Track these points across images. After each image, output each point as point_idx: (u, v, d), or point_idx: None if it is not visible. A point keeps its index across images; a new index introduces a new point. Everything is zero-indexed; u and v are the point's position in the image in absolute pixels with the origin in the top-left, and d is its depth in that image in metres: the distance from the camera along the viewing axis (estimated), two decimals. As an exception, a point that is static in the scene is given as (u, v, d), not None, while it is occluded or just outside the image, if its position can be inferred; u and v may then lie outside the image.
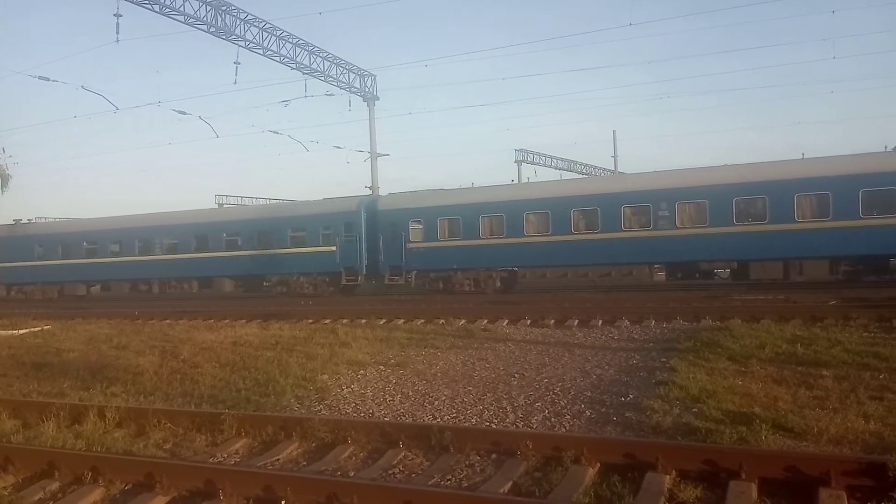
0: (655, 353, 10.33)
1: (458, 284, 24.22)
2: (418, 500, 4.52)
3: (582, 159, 56.18)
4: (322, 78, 32.54)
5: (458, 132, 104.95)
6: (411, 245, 24.85)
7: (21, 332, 15.85)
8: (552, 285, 27.89)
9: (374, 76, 35.11)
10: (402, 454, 5.81)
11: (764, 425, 5.90)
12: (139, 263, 29.39)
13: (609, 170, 51.81)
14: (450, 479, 5.27)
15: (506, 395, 7.98)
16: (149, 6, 25.25)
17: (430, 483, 5.15)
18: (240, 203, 54.84)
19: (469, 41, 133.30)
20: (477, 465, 5.54)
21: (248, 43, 28.73)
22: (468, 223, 24.03)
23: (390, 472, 5.51)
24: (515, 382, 8.66)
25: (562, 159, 53.71)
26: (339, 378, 9.31)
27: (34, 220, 35.74)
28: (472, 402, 7.75)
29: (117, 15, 24.16)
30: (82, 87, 51.14)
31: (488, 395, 8.04)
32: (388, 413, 7.47)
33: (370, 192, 33.14)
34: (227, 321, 17.03)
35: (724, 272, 22.65)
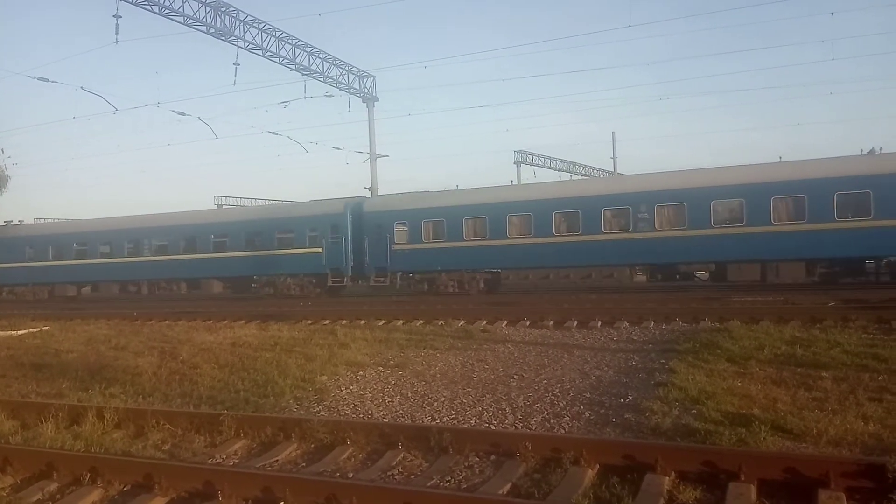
0: (655, 354, 10.32)
1: (443, 286, 24.23)
2: (417, 502, 4.52)
3: (582, 160, 56.39)
4: (321, 79, 32.60)
5: (458, 133, 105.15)
6: (396, 247, 24.89)
7: (20, 332, 15.85)
8: (536, 287, 27.97)
9: (374, 77, 35.22)
10: (402, 455, 5.81)
11: (763, 427, 5.89)
12: (129, 265, 29.50)
13: (609, 171, 51.87)
14: (449, 481, 5.27)
15: (505, 396, 7.98)
16: (148, 7, 25.31)
17: (429, 484, 5.15)
18: (239, 204, 55.00)
19: (468, 42, 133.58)
20: (476, 466, 5.54)
21: (247, 44, 28.80)
22: (452, 225, 24.09)
23: (389, 473, 5.51)
24: (514, 383, 8.65)
25: (561, 160, 53.82)
26: (338, 379, 9.30)
27: (24, 222, 35.82)
28: (472, 403, 7.74)
29: (117, 16, 24.29)
30: (82, 87, 50.82)
31: (487, 396, 8.03)
32: (387, 414, 7.47)
33: (369, 193, 33.17)
34: (225, 322, 17.03)
35: (703, 274, 22.79)
